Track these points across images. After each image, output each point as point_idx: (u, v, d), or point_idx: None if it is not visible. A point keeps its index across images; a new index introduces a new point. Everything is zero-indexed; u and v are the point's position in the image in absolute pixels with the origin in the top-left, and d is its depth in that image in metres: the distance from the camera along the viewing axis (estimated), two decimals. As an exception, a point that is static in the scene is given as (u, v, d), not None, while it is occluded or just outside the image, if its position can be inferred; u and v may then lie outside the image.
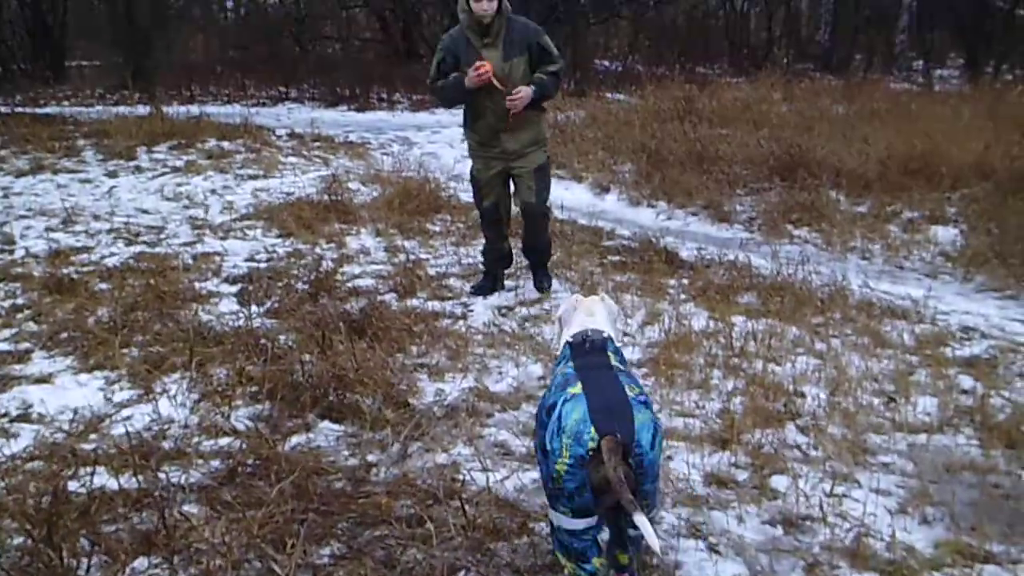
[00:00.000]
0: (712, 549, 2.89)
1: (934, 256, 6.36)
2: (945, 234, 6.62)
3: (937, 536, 2.97)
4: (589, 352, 2.72)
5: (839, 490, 3.22)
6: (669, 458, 3.44)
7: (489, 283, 5.52)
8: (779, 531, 3.00)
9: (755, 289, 5.44)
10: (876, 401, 3.96)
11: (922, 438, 3.64)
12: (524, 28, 5.02)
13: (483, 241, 5.59)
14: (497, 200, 5.35)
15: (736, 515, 3.07)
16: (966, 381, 4.17)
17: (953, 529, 3.00)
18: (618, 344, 2.85)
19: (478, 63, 4.79)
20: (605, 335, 2.77)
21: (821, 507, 3.08)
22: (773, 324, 4.82)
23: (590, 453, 2.28)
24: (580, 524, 2.38)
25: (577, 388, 2.46)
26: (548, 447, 2.43)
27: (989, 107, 10.35)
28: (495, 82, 4.83)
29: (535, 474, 3.29)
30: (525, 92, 4.86)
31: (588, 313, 2.99)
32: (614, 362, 2.65)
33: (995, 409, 3.85)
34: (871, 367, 4.30)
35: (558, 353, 2.91)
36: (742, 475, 3.35)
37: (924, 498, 3.17)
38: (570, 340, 2.82)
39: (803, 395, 4.01)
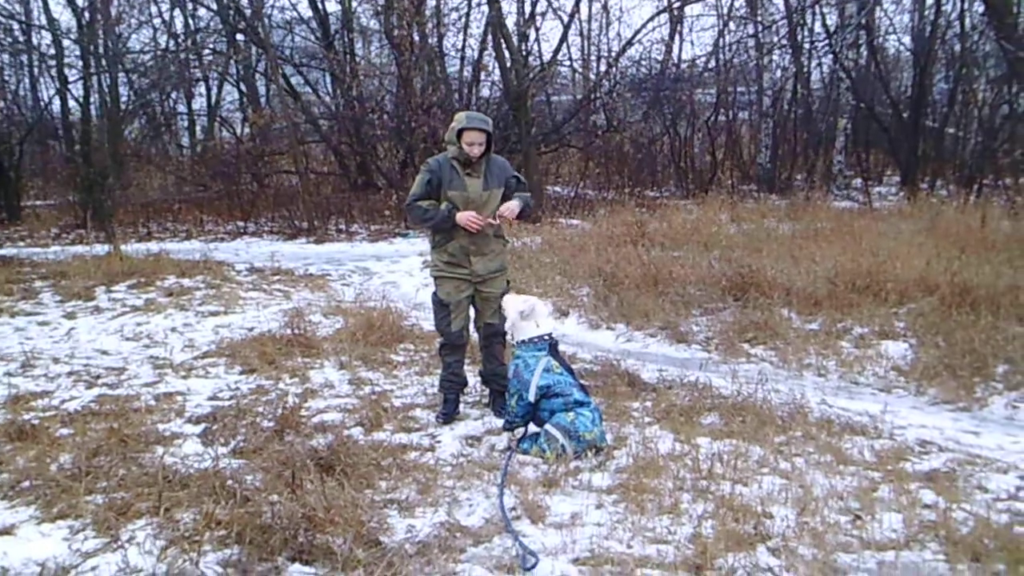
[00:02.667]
0: None
1: (887, 371, 6.54)
2: (896, 348, 6.82)
3: (913, 656, 2.99)
4: (556, 351, 5.08)
5: (814, 613, 3.24)
6: (644, 588, 3.44)
7: (454, 408, 5.60)
8: (758, 659, 2.99)
9: (717, 409, 5.53)
10: (843, 519, 4.01)
11: (890, 555, 3.69)
12: (502, 164, 5.46)
13: (442, 369, 5.67)
14: (464, 325, 5.54)
15: (715, 644, 3.06)
16: (928, 495, 4.26)
17: (928, 648, 3.02)
18: None
19: (480, 218, 5.23)
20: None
21: (798, 632, 3.09)
22: (737, 444, 4.89)
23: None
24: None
25: (584, 394, 4.96)
26: (578, 422, 4.78)
27: (928, 224, 10.81)
28: (483, 227, 5.26)
29: (511, 611, 3.29)
30: (513, 204, 5.30)
31: (545, 315, 5.08)
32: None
33: (958, 523, 3.92)
34: (835, 485, 4.37)
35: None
36: (717, 601, 3.35)
37: (897, 617, 3.20)
38: (547, 337, 5.07)
39: (771, 516, 4.05)
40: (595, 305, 8.65)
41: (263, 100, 24.03)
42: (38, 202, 20.34)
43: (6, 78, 21.70)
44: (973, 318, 6.84)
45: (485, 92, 21.52)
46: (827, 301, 7.87)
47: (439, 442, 5.12)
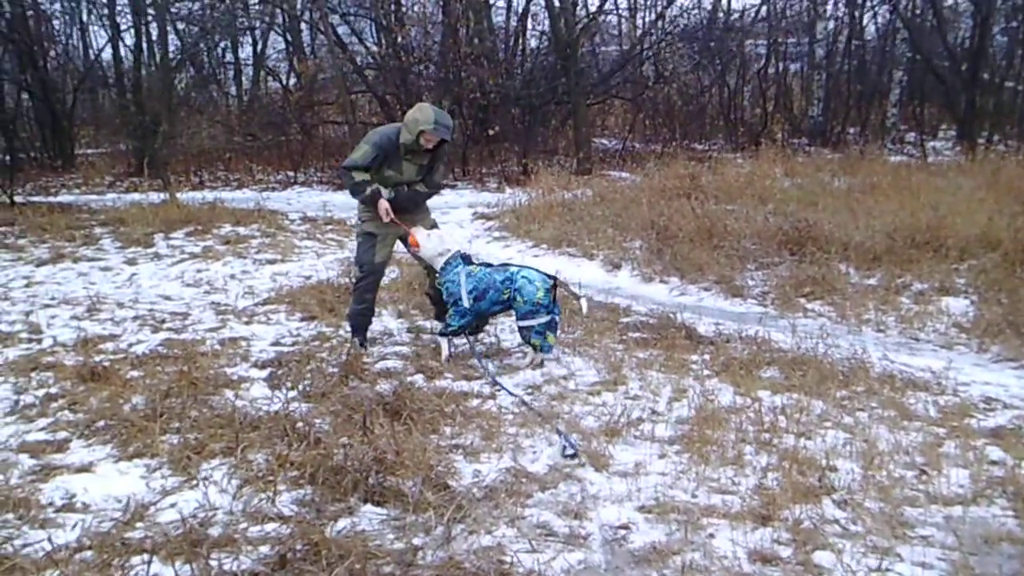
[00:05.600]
0: (764, 627, 2.92)
1: (948, 327, 6.46)
2: (957, 305, 6.73)
3: (984, 608, 3.00)
4: (469, 259, 5.76)
5: (883, 565, 3.25)
6: (711, 536, 3.48)
7: (365, 337, 6.01)
8: (828, 607, 3.02)
9: (777, 363, 5.52)
10: (909, 474, 4.01)
11: (958, 510, 3.68)
12: (443, 154, 5.87)
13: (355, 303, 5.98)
14: (387, 258, 6.01)
15: (784, 592, 3.10)
16: (994, 452, 4.22)
17: (1000, 601, 3.03)
18: None
19: (411, 232, 5.77)
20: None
21: (868, 582, 3.11)
22: (799, 398, 4.88)
23: (551, 285, 5.40)
24: (544, 319, 5.43)
25: (515, 267, 5.62)
26: (524, 292, 5.41)
27: (988, 179, 10.57)
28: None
29: (580, 555, 3.35)
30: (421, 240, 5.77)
31: (449, 241, 5.80)
32: None
33: (1027, 480, 3.90)
34: (900, 440, 4.35)
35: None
36: (785, 551, 3.38)
37: (966, 571, 3.20)
38: (458, 255, 5.72)
39: (836, 469, 4.05)
40: (648, 258, 8.62)
41: (308, 49, 24.00)
42: (89, 150, 20.66)
43: (56, 27, 21.91)
44: (1038, 276, 6.71)
45: (532, 43, 21.37)
46: (886, 256, 7.77)
47: (499, 390, 5.18)
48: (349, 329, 6.04)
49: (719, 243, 8.57)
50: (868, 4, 21.35)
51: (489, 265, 5.72)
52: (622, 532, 3.54)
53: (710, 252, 8.36)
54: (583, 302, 5.71)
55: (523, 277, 5.49)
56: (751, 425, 4.53)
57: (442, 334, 5.77)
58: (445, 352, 5.71)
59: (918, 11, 21.44)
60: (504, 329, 6.37)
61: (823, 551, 3.37)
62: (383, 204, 5.65)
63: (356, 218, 6.11)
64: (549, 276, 5.56)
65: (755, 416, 4.63)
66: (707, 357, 5.72)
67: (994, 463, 4.11)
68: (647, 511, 3.71)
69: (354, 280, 6.05)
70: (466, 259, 5.76)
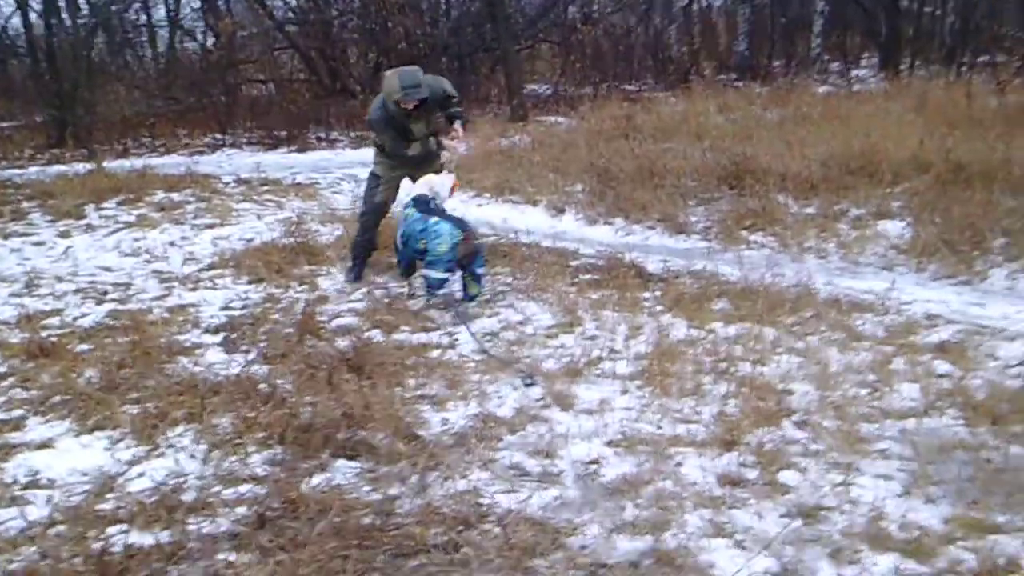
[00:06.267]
0: (739, 546, 3.03)
1: (886, 250, 6.64)
2: (894, 228, 6.92)
3: (944, 513, 3.15)
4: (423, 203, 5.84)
5: (844, 479, 3.39)
6: (679, 464, 3.58)
7: (361, 271, 6.57)
8: (798, 523, 3.14)
9: (726, 295, 5.64)
10: (862, 392, 4.16)
11: (911, 423, 3.84)
12: (434, 91, 6.05)
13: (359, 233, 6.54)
14: (388, 198, 6.41)
15: (755, 512, 3.21)
16: (941, 366, 4.40)
17: (958, 505, 3.18)
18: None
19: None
20: (430, 196, 5.88)
21: (833, 496, 3.25)
22: (750, 327, 5.00)
23: (461, 240, 5.50)
24: (447, 276, 5.62)
25: (435, 219, 5.63)
26: (430, 244, 5.54)
27: (915, 103, 10.81)
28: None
29: (555, 491, 3.42)
30: (462, 134, 6.27)
31: (412, 186, 5.99)
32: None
33: (973, 389, 4.08)
34: (851, 360, 4.51)
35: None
36: (752, 474, 3.49)
37: (925, 479, 3.36)
38: (415, 197, 5.90)
39: (792, 392, 4.18)
40: (591, 201, 8.66)
41: (224, 6, 23.26)
42: (2, 124, 19.79)
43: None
44: (968, 194, 6.91)
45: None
46: (822, 185, 7.91)
47: (457, 340, 5.20)
48: (351, 257, 6.60)
49: (659, 182, 8.64)
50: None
51: (427, 212, 5.83)
52: (593, 467, 3.63)
53: (651, 191, 8.43)
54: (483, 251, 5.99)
55: (434, 230, 5.61)
56: (707, 356, 4.65)
57: (401, 275, 6.18)
58: (407, 290, 6.10)
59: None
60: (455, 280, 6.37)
61: (788, 471, 3.50)
62: (447, 141, 6.25)
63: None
64: (461, 231, 5.63)
65: (710, 347, 4.74)
66: (658, 294, 5.81)
67: (942, 376, 4.29)
68: (615, 445, 3.79)
69: (359, 213, 6.73)
70: (419, 202, 5.90)
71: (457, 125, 6.19)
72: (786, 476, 3.46)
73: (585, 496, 3.40)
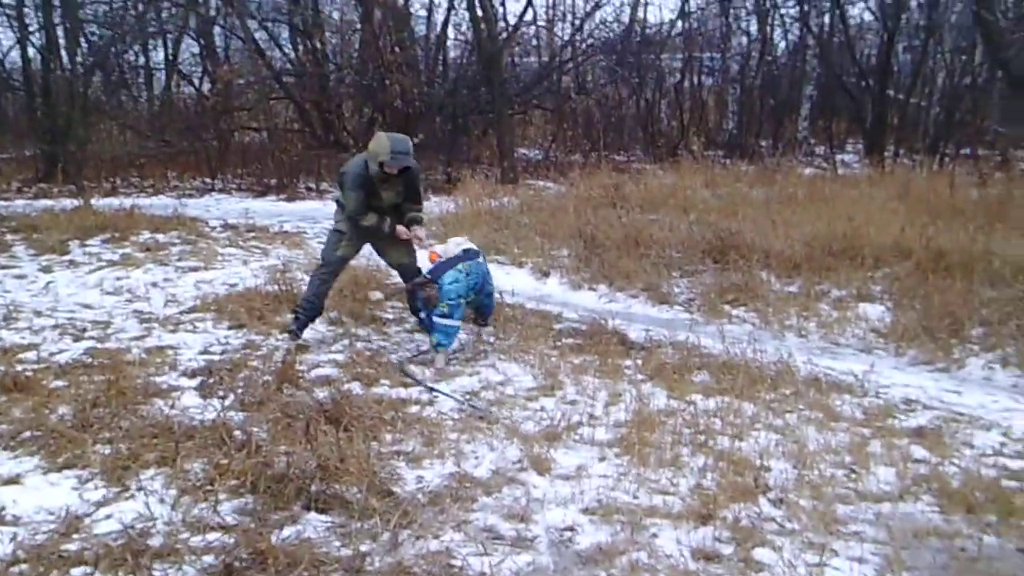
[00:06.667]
0: (712, 622, 2.99)
1: (866, 332, 6.71)
2: (874, 311, 7.00)
3: (917, 599, 3.14)
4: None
5: (819, 559, 3.37)
6: (655, 535, 3.56)
7: (303, 328, 6.24)
8: (772, 602, 3.11)
9: (707, 368, 5.66)
10: (839, 473, 4.17)
11: (887, 507, 3.85)
12: (414, 176, 6.21)
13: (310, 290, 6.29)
14: (349, 255, 6.39)
15: (729, 588, 3.19)
16: (918, 451, 4.43)
17: (931, 592, 3.17)
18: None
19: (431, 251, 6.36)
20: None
21: (807, 576, 3.23)
22: (730, 401, 5.02)
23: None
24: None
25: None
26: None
27: (898, 191, 11.02)
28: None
29: (528, 556, 3.40)
30: (423, 237, 6.30)
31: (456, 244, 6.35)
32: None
33: (949, 476, 4.09)
34: (828, 440, 4.52)
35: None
36: (727, 549, 3.48)
37: (899, 564, 3.35)
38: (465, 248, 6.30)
39: (770, 469, 4.18)
40: (576, 266, 8.73)
41: (223, 54, 23.51)
42: (-10, 156, 19.77)
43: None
44: (948, 282, 7.02)
45: (453, 53, 21.42)
46: (805, 264, 8.01)
47: (437, 397, 5.17)
48: (296, 313, 6.24)
49: (645, 251, 8.72)
50: (780, 21, 22.05)
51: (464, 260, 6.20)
52: (568, 534, 3.60)
53: (636, 260, 8.50)
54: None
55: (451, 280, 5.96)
56: (686, 427, 4.64)
57: (439, 346, 5.85)
58: (441, 363, 5.80)
59: (827, 28, 22.21)
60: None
61: (763, 548, 3.49)
62: (401, 229, 6.17)
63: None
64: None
65: (690, 419, 4.74)
66: (640, 362, 5.82)
67: (918, 461, 4.32)
68: (591, 513, 3.77)
69: (315, 268, 6.47)
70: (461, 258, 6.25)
71: (417, 229, 6.23)
72: (761, 554, 3.44)
73: (558, 563, 3.37)
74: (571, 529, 3.62)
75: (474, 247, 6.46)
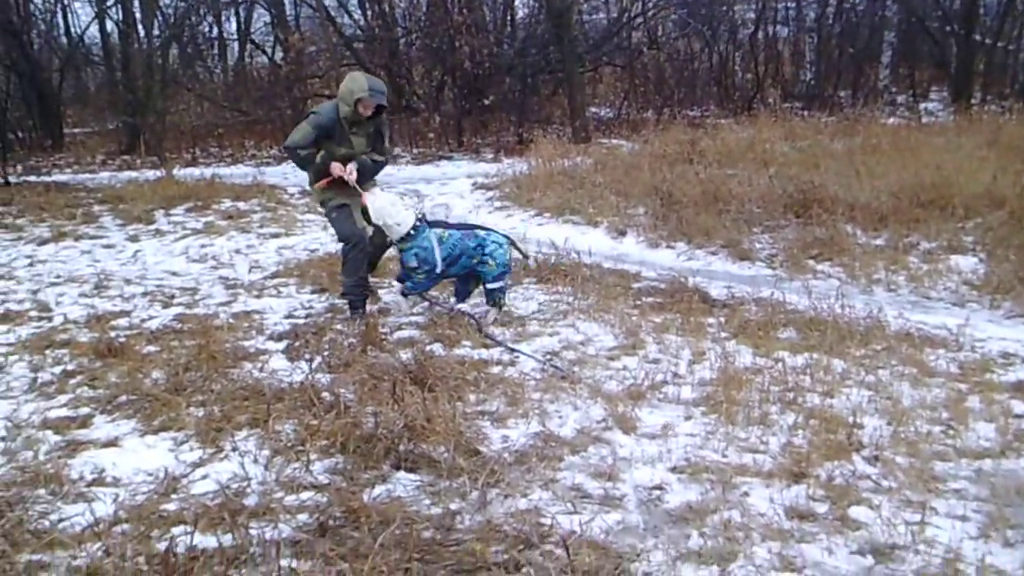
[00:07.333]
0: (809, 581, 2.94)
1: (959, 285, 6.48)
2: (966, 263, 6.75)
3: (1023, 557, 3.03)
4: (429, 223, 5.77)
5: (919, 518, 3.28)
6: (746, 494, 3.50)
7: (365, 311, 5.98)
8: (870, 560, 3.04)
9: (793, 324, 5.53)
10: (936, 429, 4.03)
11: (987, 463, 3.71)
12: (383, 122, 5.98)
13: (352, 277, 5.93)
14: (364, 225, 5.93)
15: (825, 547, 3.12)
16: (1018, 406, 4.26)
17: (1038, 550, 3.06)
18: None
19: (349, 168, 5.78)
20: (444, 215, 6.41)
21: (907, 535, 3.14)
22: (818, 358, 4.89)
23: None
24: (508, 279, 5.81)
25: (483, 231, 5.77)
26: (492, 256, 5.64)
27: (988, 138, 10.57)
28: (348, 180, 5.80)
29: (617, 515, 3.37)
30: (351, 166, 5.79)
31: (401, 208, 5.76)
32: None
33: (1053, 431, 3.93)
34: (923, 396, 4.38)
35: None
36: (821, 508, 3.40)
37: (1002, 522, 3.23)
38: (419, 222, 5.68)
39: (863, 426, 4.07)
40: (653, 224, 8.60)
41: (293, 22, 23.70)
42: (76, 130, 20.39)
43: (39, 5, 21.53)
44: (1045, 232, 6.73)
45: (520, 12, 21.21)
46: (892, 216, 7.77)
47: (518, 357, 5.17)
48: (348, 306, 5.98)
49: (724, 207, 8.56)
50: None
51: (453, 226, 5.88)
52: (656, 492, 3.57)
53: (715, 216, 8.35)
54: (531, 261, 6.23)
55: (493, 242, 5.70)
56: (774, 385, 4.54)
57: (404, 293, 5.93)
58: (406, 308, 5.99)
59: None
60: (518, 298, 6.37)
61: (859, 506, 3.39)
62: (336, 165, 5.75)
63: (320, 206, 6.29)
64: (506, 236, 5.88)
65: (777, 376, 4.64)
66: (723, 320, 5.72)
67: (1018, 416, 4.15)
68: (679, 471, 3.73)
69: (342, 256, 5.99)
70: (437, 223, 5.90)
71: (350, 166, 5.79)
72: (857, 512, 3.35)
73: (648, 522, 3.34)
74: (659, 488, 3.59)
75: (417, 214, 5.84)
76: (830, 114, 16.87)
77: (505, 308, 5.89)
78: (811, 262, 7.23)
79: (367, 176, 5.98)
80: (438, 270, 5.70)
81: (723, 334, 5.44)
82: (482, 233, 5.77)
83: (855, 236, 7.56)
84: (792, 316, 5.70)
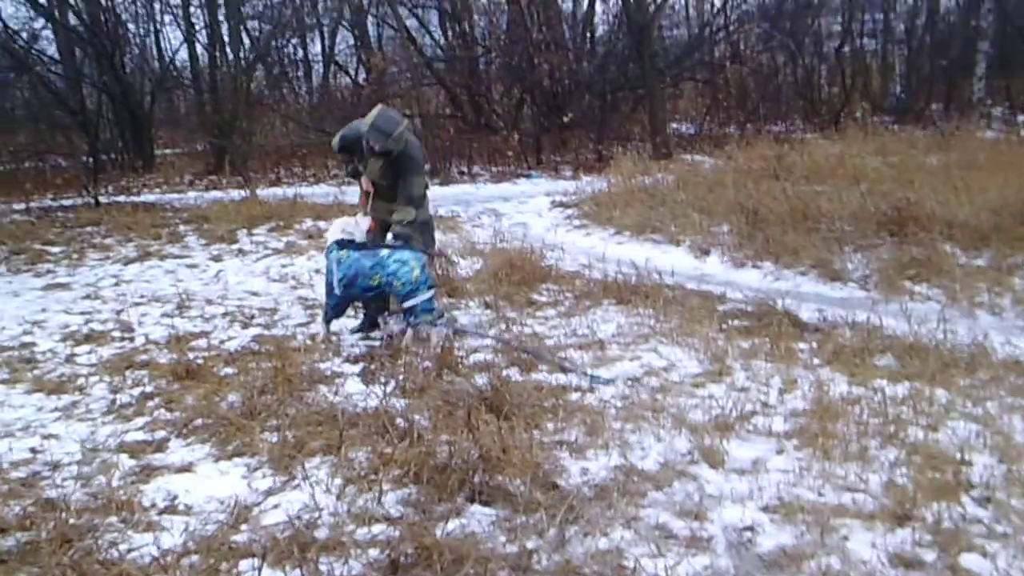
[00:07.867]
0: (919, 639, 2.69)
1: (1071, 310, 6.06)
2: (1078, 286, 6.32)
3: None
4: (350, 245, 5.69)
5: (1040, 569, 2.99)
6: (845, 538, 3.25)
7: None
8: (987, 617, 2.77)
9: (891, 350, 5.22)
10: (1055, 469, 3.71)
11: (1117, 508, 3.39)
12: (399, 159, 5.76)
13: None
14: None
15: (935, 600, 2.86)
16: None
17: None
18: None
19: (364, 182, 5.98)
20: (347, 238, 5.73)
21: (1028, 589, 2.86)
22: (920, 388, 4.59)
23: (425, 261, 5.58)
24: (427, 295, 5.52)
25: (384, 251, 5.59)
26: (396, 274, 5.46)
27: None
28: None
29: (705, 559, 3.16)
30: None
31: (338, 231, 5.76)
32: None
33: None
34: (1038, 431, 4.05)
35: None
36: (929, 555, 3.13)
37: None
38: (336, 241, 5.71)
39: (971, 464, 3.77)
40: (738, 243, 8.32)
41: (375, 43, 24.03)
42: (167, 151, 20.98)
43: (131, 29, 22.26)
44: None
45: (600, 29, 21.09)
46: (994, 235, 7.34)
47: (597, 384, 4.98)
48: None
49: (813, 225, 8.22)
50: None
51: (360, 247, 5.72)
52: (747, 534, 3.34)
53: (804, 235, 8.02)
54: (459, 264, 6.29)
55: (395, 260, 5.52)
56: (873, 417, 4.26)
57: (326, 320, 5.93)
58: (322, 334, 5.91)
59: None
60: (596, 320, 6.19)
61: (970, 553, 3.12)
62: (366, 180, 5.91)
63: None
64: (423, 251, 5.77)
65: (876, 407, 4.36)
66: (815, 345, 5.44)
67: None
68: (772, 511, 3.49)
69: None
70: (343, 244, 5.75)
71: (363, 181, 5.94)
72: (969, 560, 3.08)
73: (739, 567, 3.12)
74: (750, 529, 3.36)
75: (347, 236, 5.81)
76: (922, 128, 16.27)
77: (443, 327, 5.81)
78: (907, 283, 6.86)
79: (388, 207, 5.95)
80: (337, 291, 5.65)
81: (816, 360, 5.16)
82: (384, 252, 5.59)
83: (955, 256, 7.15)
84: (890, 341, 5.38)
